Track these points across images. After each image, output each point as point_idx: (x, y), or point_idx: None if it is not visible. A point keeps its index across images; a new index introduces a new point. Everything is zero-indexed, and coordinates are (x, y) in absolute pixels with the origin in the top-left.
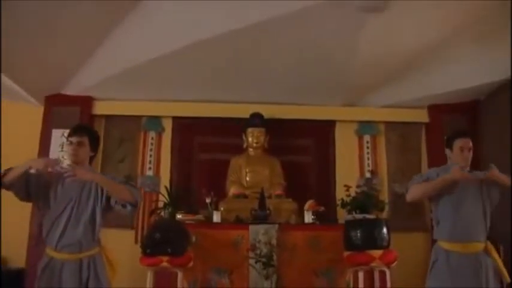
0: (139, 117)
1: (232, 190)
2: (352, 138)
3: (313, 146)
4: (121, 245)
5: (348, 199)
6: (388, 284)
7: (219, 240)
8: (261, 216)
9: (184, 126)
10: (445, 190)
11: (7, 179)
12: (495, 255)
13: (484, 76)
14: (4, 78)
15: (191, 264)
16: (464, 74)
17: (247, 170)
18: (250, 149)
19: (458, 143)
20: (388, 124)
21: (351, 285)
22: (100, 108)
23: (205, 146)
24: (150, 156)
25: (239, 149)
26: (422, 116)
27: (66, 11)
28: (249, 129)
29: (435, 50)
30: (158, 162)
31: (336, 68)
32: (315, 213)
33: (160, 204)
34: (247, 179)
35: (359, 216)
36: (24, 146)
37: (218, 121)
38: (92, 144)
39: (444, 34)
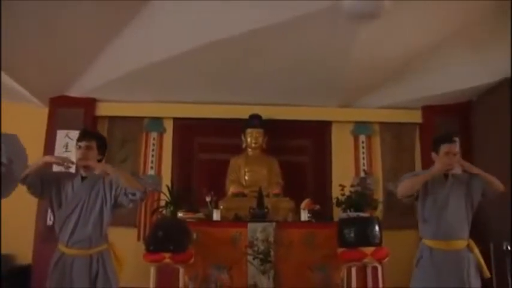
0: (141, 118)
1: (231, 189)
2: (347, 139)
3: (310, 146)
4: (124, 242)
5: (342, 198)
6: (380, 280)
7: (218, 238)
8: (259, 215)
9: (185, 127)
10: (431, 190)
11: (25, 172)
12: (476, 251)
13: (476, 78)
14: (9, 80)
15: (192, 260)
16: (457, 76)
17: (246, 170)
18: (249, 149)
19: (444, 148)
20: (383, 125)
21: (345, 280)
22: (103, 110)
23: (206, 146)
24: (152, 156)
25: (238, 149)
26: (416, 117)
27: (71, 13)
28: (248, 130)
29: (429, 53)
30: (160, 162)
31: (331, 70)
32: (311, 211)
33: (162, 203)
34: (246, 178)
35: (353, 214)
36: (29, 146)
37: (218, 122)
38: (100, 148)
39: (438, 37)
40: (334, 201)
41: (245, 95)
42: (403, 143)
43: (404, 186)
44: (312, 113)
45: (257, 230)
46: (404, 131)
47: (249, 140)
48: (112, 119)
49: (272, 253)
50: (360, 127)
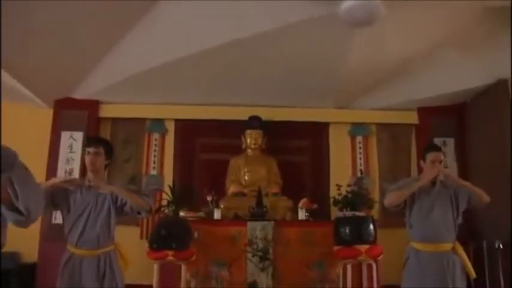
0: (143, 119)
1: (231, 189)
2: (345, 139)
3: (308, 147)
4: (127, 241)
5: (339, 197)
6: (375, 276)
7: (219, 236)
8: (258, 214)
9: (187, 128)
10: (417, 197)
11: None
12: (462, 253)
13: (470, 80)
14: (16, 83)
15: (194, 257)
16: (452, 78)
17: (245, 170)
18: (249, 150)
19: (430, 157)
20: (380, 125)
21: (341, 277)
22: (106, 112)
23: (206, 146)
24: (154, 156)
25: (238, 150)
26: (412, 118)
27: (76, 17)
28: (248, 131)
29: (423, 56)
30: (162, 163)
31: (329, 73)
32: (309, 210)
33: (164, 202)
34: (246, 178)
35: (349, 213)
36: (35, 147)
37: (218, 123)
38: (107, 153)
39: (432, 40)
40: (331, 200)
41: (245, 97)
42: (399, 143)
43: (391, 198)
44: (310, 114)
45: (256, 229)
46: (401, 132)
47: (248, 140)
48: (115, 120)
49: (271, 251)
50: (357, 128)
